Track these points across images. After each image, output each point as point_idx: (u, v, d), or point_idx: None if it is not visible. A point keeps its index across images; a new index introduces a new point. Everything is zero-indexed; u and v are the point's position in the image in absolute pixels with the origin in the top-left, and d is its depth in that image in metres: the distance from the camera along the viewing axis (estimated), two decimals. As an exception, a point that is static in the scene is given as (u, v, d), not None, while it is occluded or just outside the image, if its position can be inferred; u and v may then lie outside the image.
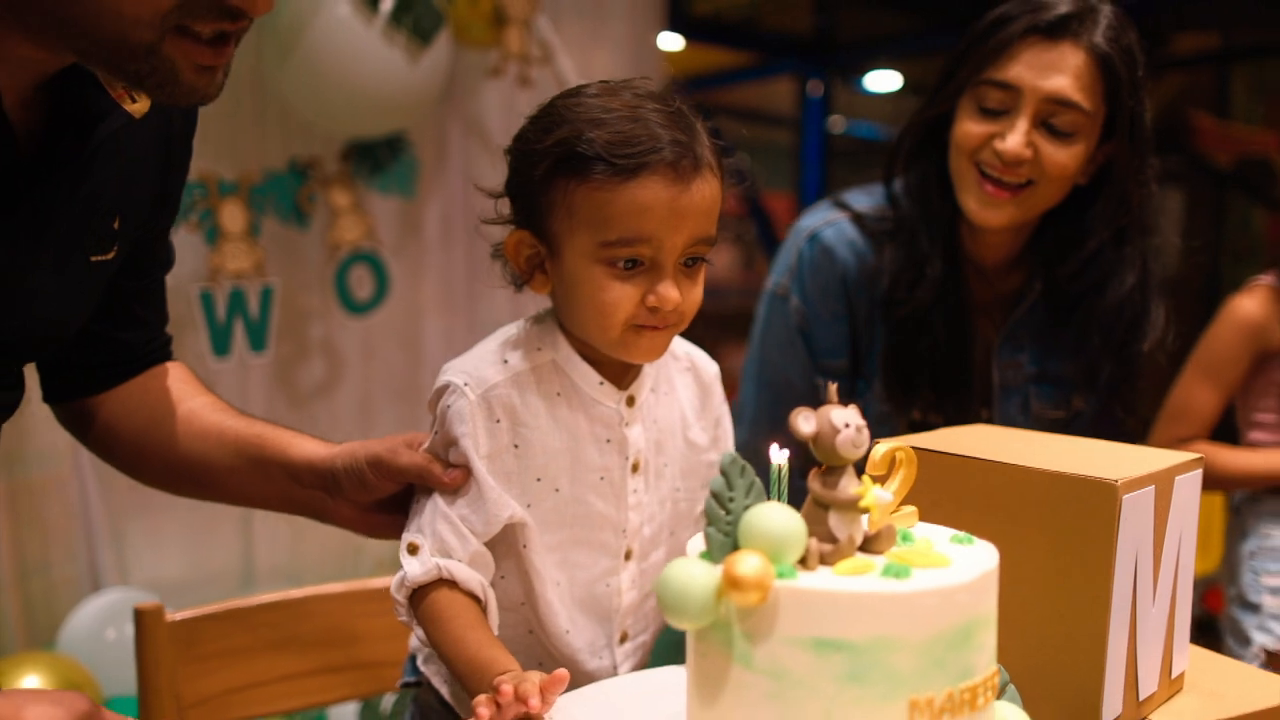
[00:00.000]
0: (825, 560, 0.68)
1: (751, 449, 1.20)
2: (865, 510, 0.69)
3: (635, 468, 0.99)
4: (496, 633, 0.93)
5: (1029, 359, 1.50)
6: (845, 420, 0.69)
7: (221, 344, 2.29)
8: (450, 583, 0.92)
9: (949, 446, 0.91)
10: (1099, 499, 0.81)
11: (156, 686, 1.35)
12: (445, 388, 0.95)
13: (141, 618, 1.35)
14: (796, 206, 4.80)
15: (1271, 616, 1.85)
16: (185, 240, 2.21)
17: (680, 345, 1.05)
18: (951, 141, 1.40)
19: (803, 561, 0.67)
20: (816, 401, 0.90)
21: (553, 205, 0.91)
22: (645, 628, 1.05)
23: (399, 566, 0.94)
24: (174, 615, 1.37)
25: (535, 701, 0.80)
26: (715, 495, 0.68)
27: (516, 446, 0.94)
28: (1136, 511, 0.83)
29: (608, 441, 0.97)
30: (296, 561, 2.71)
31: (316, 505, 1.06)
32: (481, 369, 0.95)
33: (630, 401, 0.98)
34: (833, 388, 0.72)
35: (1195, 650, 0.98)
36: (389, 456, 0.98)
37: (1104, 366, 1.46)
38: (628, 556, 1.01)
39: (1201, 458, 0.93)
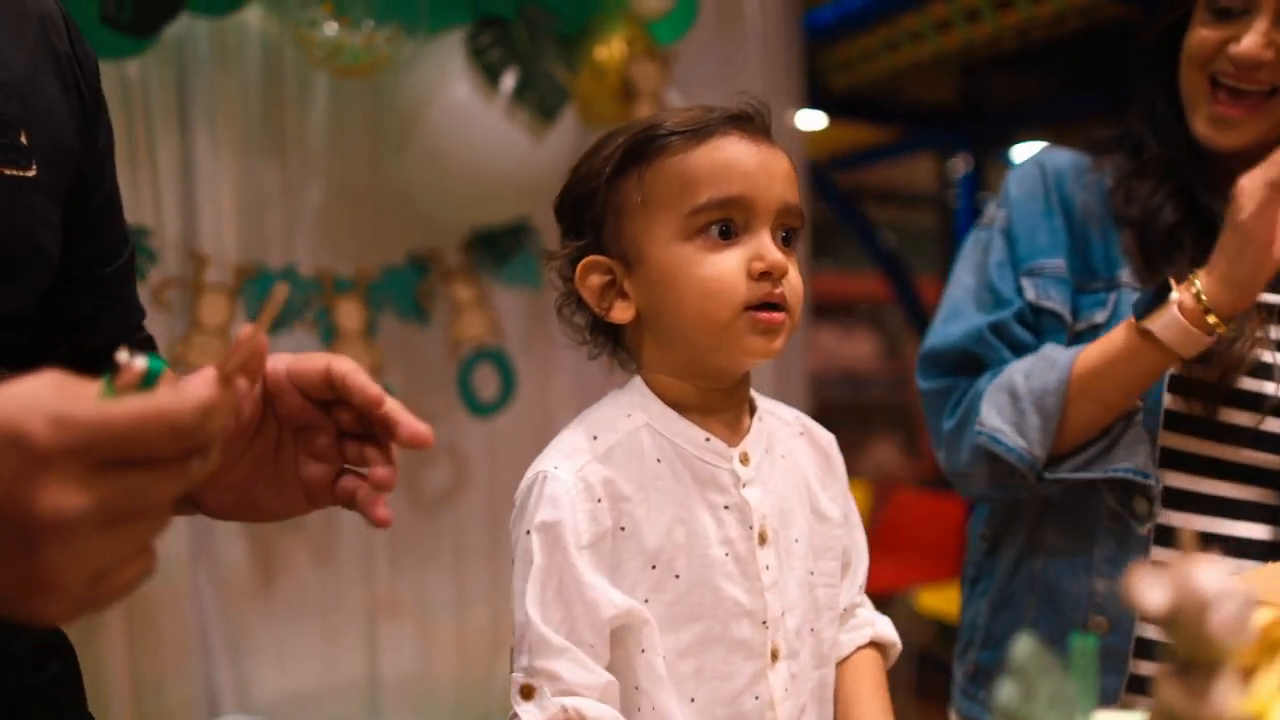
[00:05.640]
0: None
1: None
2: (1268, 740, 0.41)
3: (763, 538, 0.82)
4: None
5: None
6: (1222, 586, 0.42)
7: (342, 450, 2.13)
8: None
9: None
10: None
11: None
12: (533, 481, 0.81)
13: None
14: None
15: None
16: (301, 341, 2.07)
17: (787, 410, 0.93)
18: (1184, 55, 1.20)
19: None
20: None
21: (625, 203, 0.82)
22: None
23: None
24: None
25: None
26: (1008, 715, 0.41)
27: (623, 529, 0.79)
28: None
29: (725, 508, 0.81)
30: (425, 666, 2.49)
31: None
32: (568, 452, 0.82)
33: (744, 459, 0.83)
34: (1189, 533, 0.45)
35: None
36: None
37: None
38: (775, 656, 0.81)
39: None
